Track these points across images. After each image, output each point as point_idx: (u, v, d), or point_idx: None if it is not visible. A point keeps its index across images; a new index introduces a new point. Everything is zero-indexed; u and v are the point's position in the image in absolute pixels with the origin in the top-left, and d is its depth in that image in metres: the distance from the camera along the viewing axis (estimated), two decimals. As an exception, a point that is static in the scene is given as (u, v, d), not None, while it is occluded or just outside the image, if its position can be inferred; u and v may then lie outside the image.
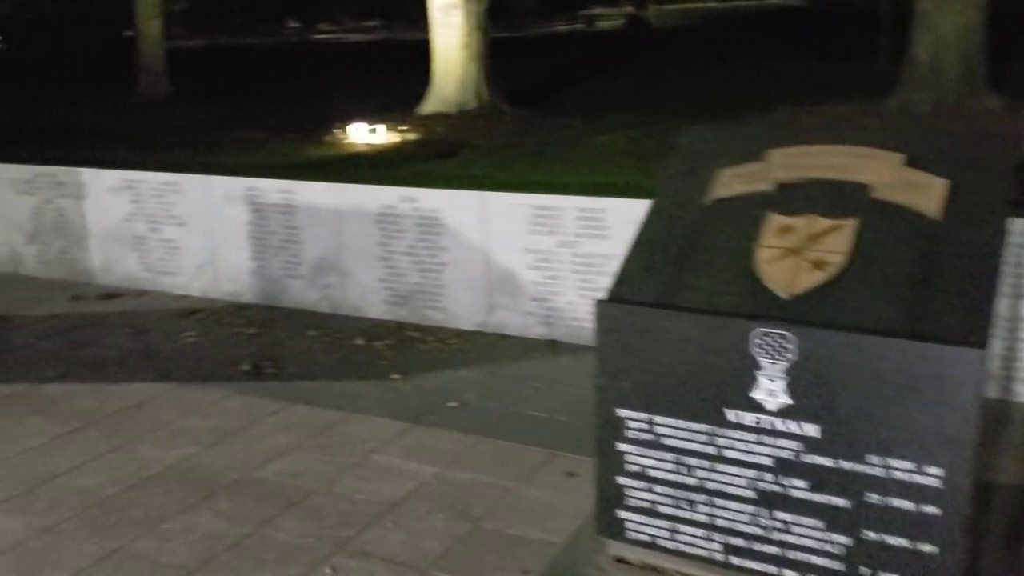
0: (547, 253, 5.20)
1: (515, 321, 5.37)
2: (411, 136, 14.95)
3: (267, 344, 5.45)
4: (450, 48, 16.99)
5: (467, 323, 5.52)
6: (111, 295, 6.51)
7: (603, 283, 5.01)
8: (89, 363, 5.20)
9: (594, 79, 20.29)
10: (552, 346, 5.21)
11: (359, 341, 5.43)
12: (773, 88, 16.12)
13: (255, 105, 19.68)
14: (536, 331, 5.31)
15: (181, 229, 6.41)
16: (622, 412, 2.89)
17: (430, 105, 17.00)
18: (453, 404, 4.48)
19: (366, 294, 5.84)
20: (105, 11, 33.96)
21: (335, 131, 15.48)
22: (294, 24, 58.90)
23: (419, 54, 29.70)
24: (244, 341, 5.52)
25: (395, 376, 4.88)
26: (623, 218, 4.92)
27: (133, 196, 6.54)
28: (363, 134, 14.87)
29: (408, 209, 5.62)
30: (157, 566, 3.21)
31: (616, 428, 2.91)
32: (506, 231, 5.30)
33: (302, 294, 6.06)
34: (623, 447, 2.91)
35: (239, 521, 3.48)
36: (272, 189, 6.05)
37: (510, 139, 14.51)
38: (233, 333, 5.66)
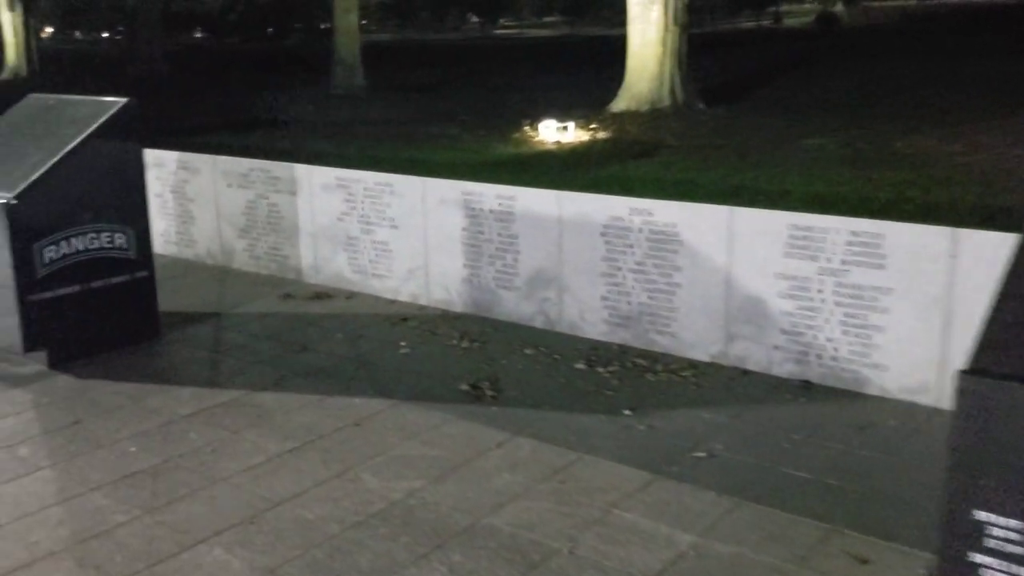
0: (805, 280, 4.56)
1: (759, 355, 4.77)
2: (602, 134, 14.47)
3: (483, 361, 5.08)
4: (646, 44, 16.38)
5: (701, 353, 4.96)
6: (321, 295, 6.36)
7: (875, 320, 4.34)
8: (304, 370, 4.99)
9: (786, 78, 19.12)
10: (806, 388, 4.56)
11: (580, 365, 4.97)
12: (991, 92, 14.62)
13: (444, 100, 19.77)
14: (784, 369, 4.69)
15: (394, 231, 6.16)
16: (982, 515, 2.26)
17: (622, 102, 16.47)
18: (700, 454, 3.93)
19: (586, 312, 5.38)
20: (304, 4, 35.32)
21: (525, 128, 15.23)
22: (476, 19, 59.71)
23: (604, 50, 29.25)
24: (459, 356, 5.18)
25: (626, 411, 4.38)
26: (904, 245, 4.23)
27: (347, 195, 6.35)
28: (553, 132, 14.54)
29: (639, 222, 5.11)
30: (389, 628, 2.86)
31: (972, 534, 2.28)
32: (755, 252, 4.70)
33: (516, 307, 5.67)
34: (980, 559, 2.28)
35: (475, 580, 3.08)
36: (490, 194, 5.69)
37: (707, 140, 13.78)
38: (447, 346, 5.34)
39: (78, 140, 5.07)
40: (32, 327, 4.93)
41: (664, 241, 5.03)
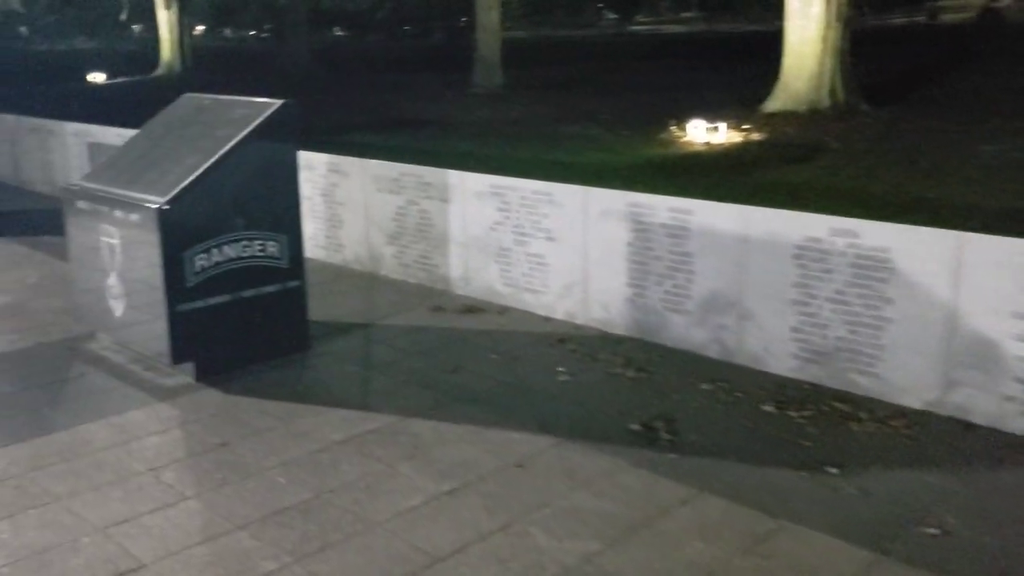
0: (1052, 324, 3.85)
1: (986, 406, 4.07)
2: (755, 136, 13.66)
3: (653, 395, 4.57)
4: (805, 41, 15.42)
5: (913, 399, 4.29)
6: (472, 309, 5.97)
7: None
8: (459, 395, 4.60)
9: (950, 77, 17.70)
10: (1050, 451, 3.86)
11: (768, 407, 4.39)
12: None
13: (582, 98, 19.27)
14: (1019, 424, 3.98)
15: (550, 244, 5.71)
16: None
17: (776, 102, 15.58)
18: (930, 530, 3.30)
19: (771, 343, 4.78)
20: (446, 1, 35.43)
21: (671, 128, 14.57)
22: (611, 16, 58.94)
23: (744, 46, 28.13)
24: (626, 388, 4.68)
25: (831, 469, 3.78)
26: None
27: (501, 203, 5.95)
28: (702, 132, 13.83)
29: (842, 245, 4.48)
30: None
31: None
32: (988, 287, 4.01)
33: (686, 333, 5.13)
34: None
35: None
36: (662, 207, 5.16)
37: (871, 143, 12.78)
38: (611, 375, 4.84)
39: (233, 143, 4.83)
40: (180, 338, 4.72)
41: (872, 268, 4.38)
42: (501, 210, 5.96)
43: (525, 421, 4.29)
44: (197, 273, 4.73)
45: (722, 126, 13.85)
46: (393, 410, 4.42)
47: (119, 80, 27.50)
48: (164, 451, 4.05)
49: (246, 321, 4.97)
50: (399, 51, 36.83)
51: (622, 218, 5.33)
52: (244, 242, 4.90)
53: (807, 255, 4.60)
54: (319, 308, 5.71)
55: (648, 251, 5.24)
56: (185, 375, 4.85)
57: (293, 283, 5.15)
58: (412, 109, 17.62)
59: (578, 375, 4.86)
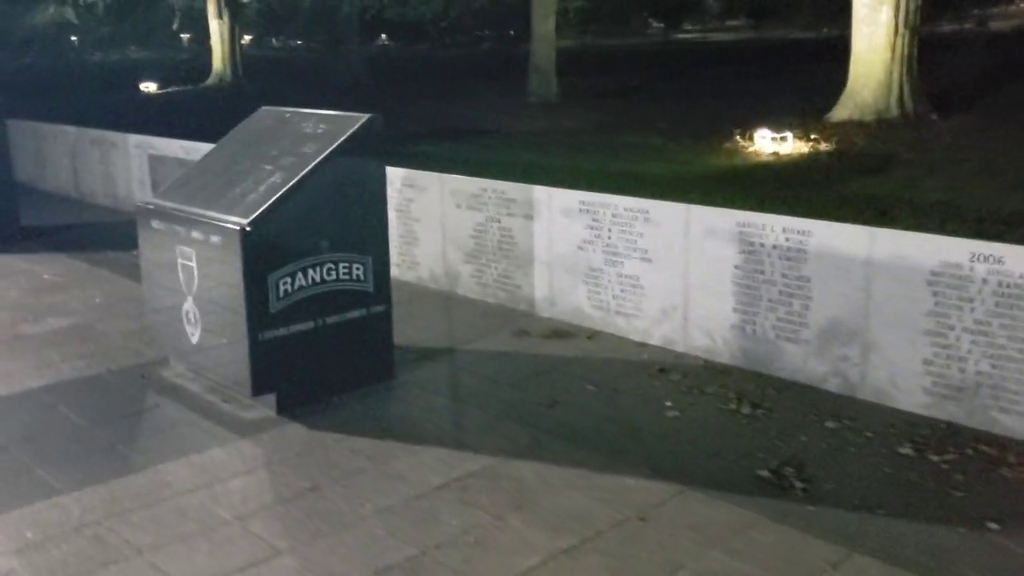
0: None
1: None
2: (823, 146, 13.18)
3: (775, 435, 4.17)
4: (873, 48, 14.92)
5: (1073, 444, 3.86)
6: (559, 333, 5.62)
7: None
8: (559, 431, 4.24)
9: (1009, 85, 17.03)
10: None
11: (905, 449, 3.98)
12: None
13: (637, 107, 18.88)
14: None
15: (646, 264, 5.35)
16: None
17: (843, 111, 15.08)
18: None
19: (899, 377, 4.37)
20: (499, 11, 35.19)
21: (736, 138, 14.13)
22: (658, 24, 58.39)
23: (796, 54, 27.51)
24: (742, 426, 4.30)
25: (991, 524, 3.37)
26: None
27: (591, 221, 5.59)
28: (768, 142, 13.38)
29: (983, 271, 4.05)
30: None
31: None
32: None
33: (802, 364, 4.73)
34: None
35: None
36: (775, 227, 4.76)
37: (946, 154, 12.23)
38: (723, 411, 4.46)
39: (319, 160, 4.53)
40: (262, 368, 4.42)
41: (1020, 297, 3.95)
42: (591, 228, 5.60)
43: (636, 465, 3.92)
44: (280, 298, 4.44)
45: (789, 136, 13.40)
46: (491, 449, 4.08)
47: (171, 89, 27.65)
48: (250, 496, 3.74)
49: (329, 349, 4.66)
50: (448, 60, 36.70)
51: (729, 238, 4.94)
52: (329, 265, 4.60)
53: (943, 281, 4.18)
54: (399, 331, 5.36)
55: (759, 274, 4.85)
56: (265, 407, 4.55)
57: (378, 308, 4.84)
58: (469, 118, 17.36)
59: (687, 410, 4.48)
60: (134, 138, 9.55)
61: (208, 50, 31.64)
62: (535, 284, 6.01)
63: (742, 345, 4.97)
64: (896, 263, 4.33)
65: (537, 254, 5.96)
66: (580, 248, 5.69)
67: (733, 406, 4.50)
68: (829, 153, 12.84)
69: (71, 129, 10.67)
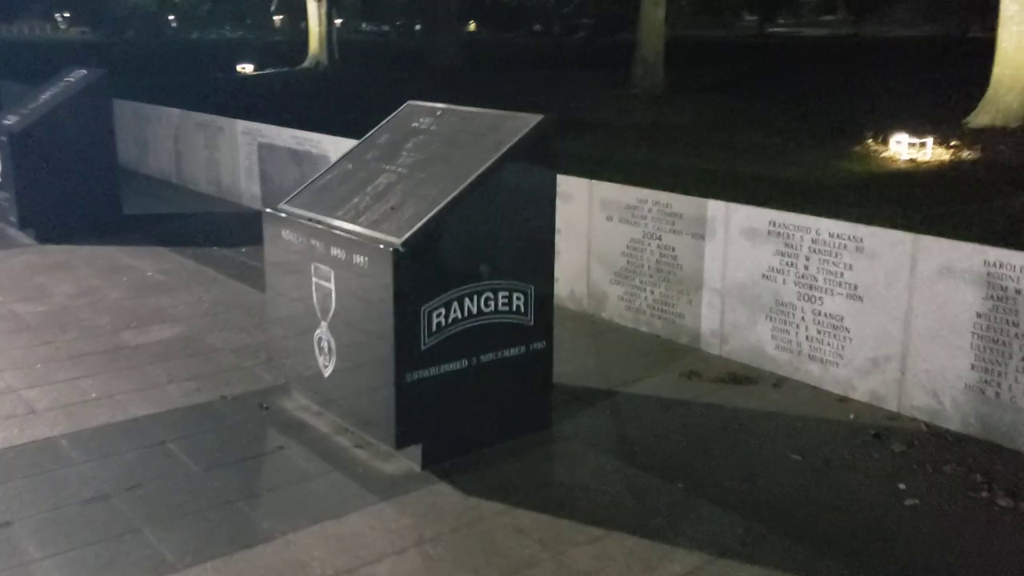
0: None
1: None
2: (966, 154, 11.98)
3: (1056, 544, 3.27)
4: (1021, 48, 13.61)
5: None
6: (737, 378, 4.78)
7: None
8: (772, 521, 3.40)
9: None
10: None
11: None
12: None
13: (750, 103, 17.78)
14: None
15: (855, 303, 4.46)
16: None
17: (984, 116, 13.83)
18: None
19: None
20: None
21: (868, 141, 13.02)
22: (751, 17, 56.63)
23: (904, 52, 25.84)
24: (1005, 524, 3.40)
25: None
26: None
27: (783, 246, 4.73)
28: (905, 148, 12.24)
29: None
30: None
31: None
32: None
33: (1065, 442, 3.81)
34: None
35: None
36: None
37: (1110, 165, 10.99)
38: (975, 500, 3.56)
39: (484, 168, 3.77)
40: (409, 415, 3.69)
41: None
42: (782, 254, 4.73)
43: (890, 577, 3.07)
44: (433, 333, 3.70)
45: (929, 142, 12.26)
46: (693, 542, 3.27)
47: (268, 71, 27.40)
48: (405, 589, 3.02)
49: (482, 393, 3.91)
50: (543, 48, 35.83)
51: (971, 280, 4.03)
52: (488, 294, 3.84)
53: None
54: (551, 367, 4.62)
55: (1011, 327, 3.93)
56: (407, 458, 3.83)
57: (538, 345, 4.07)
58: (572, 110, 16.50)
59: (926, 497, 3.59)
60: (242, 124, 8.97)
61: (303, 32, 31.39)
62: (702, 315, 5.17)
63: (980, 411, 4.06)
64: None
65: (707, 280, 5.12)
66: (765, 277, 4.83)
67: (985, 494, 3.60)
68: (974, 162, 11.67)
69: (175, 111, 10.17)
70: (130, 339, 5.32)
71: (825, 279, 4.57)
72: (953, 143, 12.61)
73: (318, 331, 4.05)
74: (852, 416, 4.32)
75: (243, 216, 8.60)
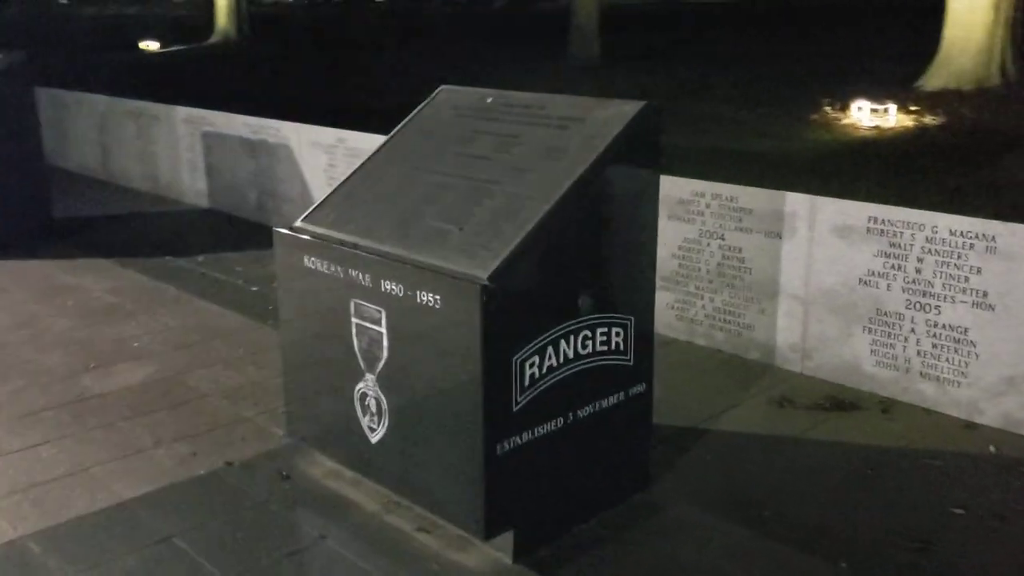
0: None
1: None
2: (929, 119, 11.63)
3: None
4: (973, 9, 13.39)
5: None
6: (836, 403, 4.08)
7: None
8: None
9: None
10: None
11: None
12: None
13: (691, 70, 17.17)
14: None
15: (984, 313, 3.80)
16: None
17: (936, 79, 13.57)
18: None
19: None
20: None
21: (825, 108, 12.59)
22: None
23: (852, 13, 25.74)
24: None
25: None
26: None
27: (888, 245, 4.03)
28: (867, 115, 11.85)
29: None
30: None
31: None
32: None
33: None
34: None
35: None
36: None
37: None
38: None
39: (581, 173, 2.93)
40: (500, 495, 2.86)
41: None
42: (886, 255, 4.04)
43: None
44: (526, 389, 2.87)
45: (892, 108, 11.89)
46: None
47: (174, 48, 25.60)
48: None
49: (579, 456, 3.11)
50: (465, 18, 34.67)
51: None
52: (585, 332, 3.03)
53: None
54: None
55: None
56: (492, 547, 3.00)
57: (638, 388, 3.28)
58: (509, 84, 15.60)
59: None
60: (183, 111, 7.84)
61: (206, 5, 29.50)
62: (777, 326, 4.46)
63: None
64: None
65: (784, 285, 4.40)
66: (864, 282, 4.13)
67: None
68: (940, 127, 11.32)
69: (101, 98, 8.93)
70: (93, 385, 4.32)
71: (944, 285, 3.89)
72: (912, 108, 12.29)
73: (361, 385, 3.17)
74: (993, 449, 3.66)
75: (190, 216, 7.54)
